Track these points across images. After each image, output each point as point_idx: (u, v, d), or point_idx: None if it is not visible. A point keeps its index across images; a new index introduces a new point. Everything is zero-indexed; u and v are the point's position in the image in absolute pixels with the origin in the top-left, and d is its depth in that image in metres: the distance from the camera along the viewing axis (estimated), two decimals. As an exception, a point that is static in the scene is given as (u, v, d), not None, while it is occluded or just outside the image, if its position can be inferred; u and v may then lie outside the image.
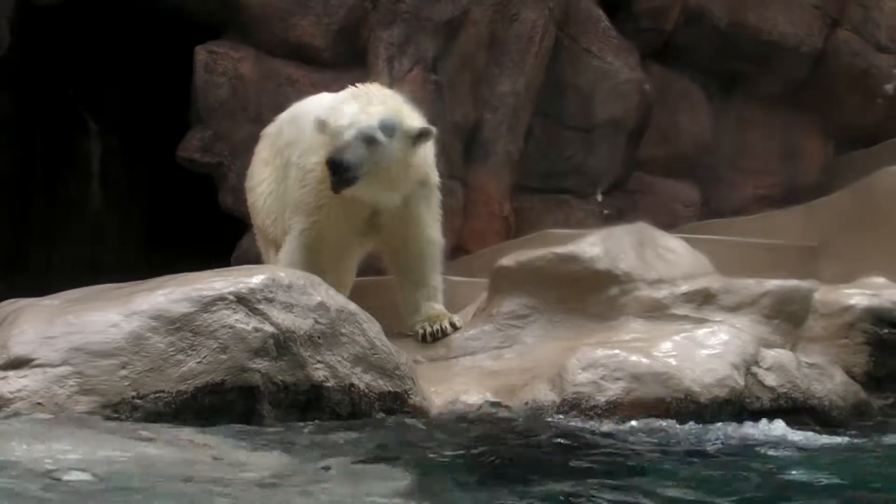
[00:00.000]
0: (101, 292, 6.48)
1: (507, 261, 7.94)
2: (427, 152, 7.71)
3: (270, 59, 12.03)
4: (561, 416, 6.52)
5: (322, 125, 7.32)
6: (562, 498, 4.56)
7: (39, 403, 5.69)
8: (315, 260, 7.56)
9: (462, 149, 12.62)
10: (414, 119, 7.52)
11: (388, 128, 7.26)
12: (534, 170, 13.08)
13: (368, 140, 7.18)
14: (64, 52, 12.74)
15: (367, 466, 5.10)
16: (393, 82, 12.05)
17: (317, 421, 6.02)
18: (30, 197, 13.55)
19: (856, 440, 6.33)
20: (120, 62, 12.74)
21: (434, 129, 7.49)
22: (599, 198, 13.36)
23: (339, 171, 7.07)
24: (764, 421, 6.57)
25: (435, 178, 7.77)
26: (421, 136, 7.41)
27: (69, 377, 5.77)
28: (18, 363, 5.85)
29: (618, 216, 12.20)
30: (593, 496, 4.54)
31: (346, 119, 7.16)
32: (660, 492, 4.69)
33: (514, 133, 12.82)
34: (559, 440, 5.97)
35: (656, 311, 7.61)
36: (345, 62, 12.26)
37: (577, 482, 4.84)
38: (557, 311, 7.71)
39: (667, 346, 7.01)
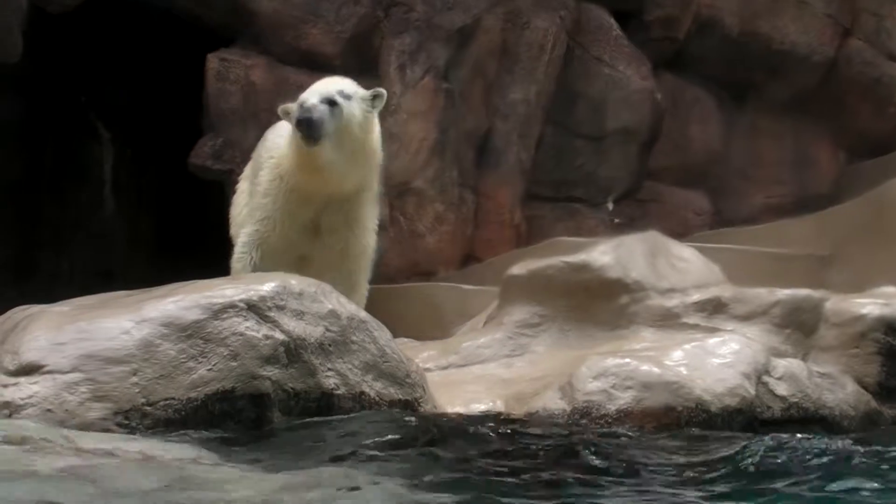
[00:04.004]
0: (113, 299, 6.48)
1: (518, 269, 7.93)
2: (374, 154, 7.73)
3: (282, 66, 12.06)
4: (571, 425, 6.50)
5: (285, 110, 7.49)
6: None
7: (49, 410, 5.69)
8: (259, 260, 7.64)
9: (473, 157, 12.64)
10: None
11: (346, 93, 7.44)
12: (545, 178, 13.09)
13: (329, 101, 7.34)
14: (76, 59, 12.76)
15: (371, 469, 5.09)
16: (405, 90, 12.08)
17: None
18: (39, 203, 13.57)
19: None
20: (132, 70, 12.77)
21: (384, 92, 7.54)
22: (610, 206, 13.36)
23: (306, 126, 7.27)
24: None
25: (377, 185, 7.77)
26: (375, 97, 7.50)
27: (80, 384, 5.76)
28: (29, 369, 5.84)
29: (629, 225, 12.21)
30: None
31: (307, 93, 7.44)
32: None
33: (526, 141, 12.83)
34: (568, 448, 5.95)
35: (667, 320, 7.60)
36: (356, 70, 12.24)
37: (587, 490, 4.83)
38: (568, 320, 7.71)
39: (677, 355, 6.99)
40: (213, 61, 11.89)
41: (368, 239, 7.75)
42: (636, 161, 13.51)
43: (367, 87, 11.28)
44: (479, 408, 6.79)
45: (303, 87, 11.82)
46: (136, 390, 5.78)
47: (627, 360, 6.85)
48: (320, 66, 12.05)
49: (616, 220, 13.12)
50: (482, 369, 7.51)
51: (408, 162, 12.21)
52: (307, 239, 7.70)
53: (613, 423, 6.52)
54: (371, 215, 7.77)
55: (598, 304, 7.66)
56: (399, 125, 12.17)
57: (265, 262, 7.59)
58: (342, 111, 7.36)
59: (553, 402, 6.67)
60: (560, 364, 7.08)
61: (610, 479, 5.15)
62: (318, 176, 7.49)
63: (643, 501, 4.66)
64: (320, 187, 7.57)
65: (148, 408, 5.76)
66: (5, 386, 5.79)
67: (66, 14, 11.81)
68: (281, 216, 7.67)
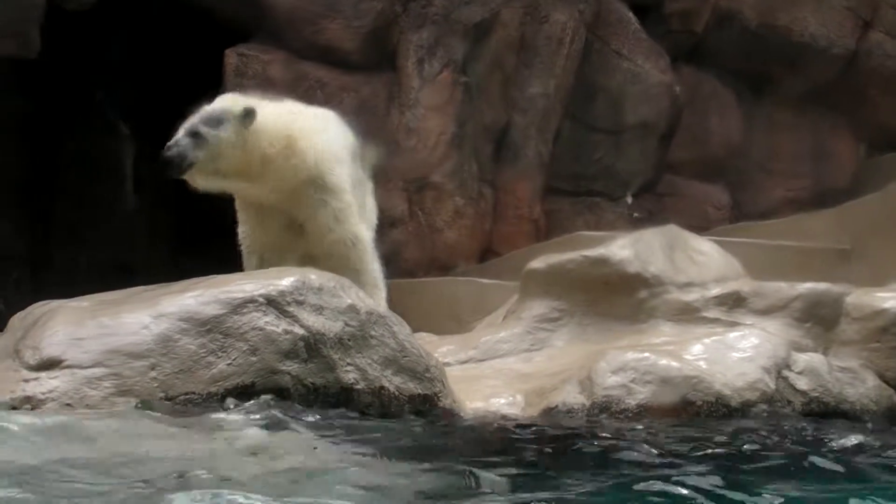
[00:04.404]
0: (132, 294, 6.49)
1: (537, 263, 7.93)
2: (283, 154, 7.73)
3: (300, 61, 12.07)
4: (590, 419, 6.49)
5: None
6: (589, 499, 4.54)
7: (69, 404, 5.70)
8: (267, 260, 7.74)
9: (492, 151, 12.63)
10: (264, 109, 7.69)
11: (214, 119, 7.48)
12: (564, 172, 13.08)
13: (192, 134, 7.42)
14: (93, 55, 12.78)
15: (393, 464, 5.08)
16: (423, 84, 12.07)
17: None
18: (58, 199, 13.61)
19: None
20: (150, 65, 12.79)
21: (254, 109, 7.54)
22: (629, 200, 13.34)
23: (166, 166, 7.38)
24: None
25: (332, 178, 7.76)
26: (246, 115, 7.52)
27: (103, 379, 5.78)
28: (49, 364, 5.86)
29: (648, 219, 12.18)
30: (623, 498, 4.52)
31: (184, 123, 7.56)
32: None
33: (544, 135, 12.81)
34: (587, 442, 5.94)
35: (686, 314, 7.59)
36: (374, 65, 12.29)
37: (604, 484, 4.81)
38: (587, 314, 7.70)
39: (697, 349, 6.98)
40: (231, 56, 11.91)
41: (339, 234, 7.74)
42: (655, 155, 13.49)
43: (386, 83, 11.38)
44: (498, 402, 6.79)
45: (321, 82, 11.96)
46: (155, 385, 5.79)
47: (646, 354, 6.84)
48: (339, 61, 12.09)
49: (635, 214, 13.10)
50: (501, 364, 7.51)
51: (426, 156, 12.21)
52: (294, 237, 7.77)
53: (633, 417, 6.52)
54: (331, 210, 7.75)
55: (617, 298, 7.66)
56: (417, 119, 12.16)
57: (272, 265, 7.69)
58: (207, 142, 7.42)
59: (572, 397, 6.66)
60: (579, 358, 7.07)
61: (629, 472, 5.14)
62: (231, 189, 7.69)
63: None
64: (251, 195, 7.74)
65: (167, 402, 5.77)
66: (26, 381, 5.81)
67: (84, 11, 11.84)
68: (254, 223, 7.85)
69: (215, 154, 7.42)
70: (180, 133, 7.45)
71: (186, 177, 7.48)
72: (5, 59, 11.74)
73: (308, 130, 7.68)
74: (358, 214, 7.80)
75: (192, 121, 7.48)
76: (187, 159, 7.35)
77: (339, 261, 7.59)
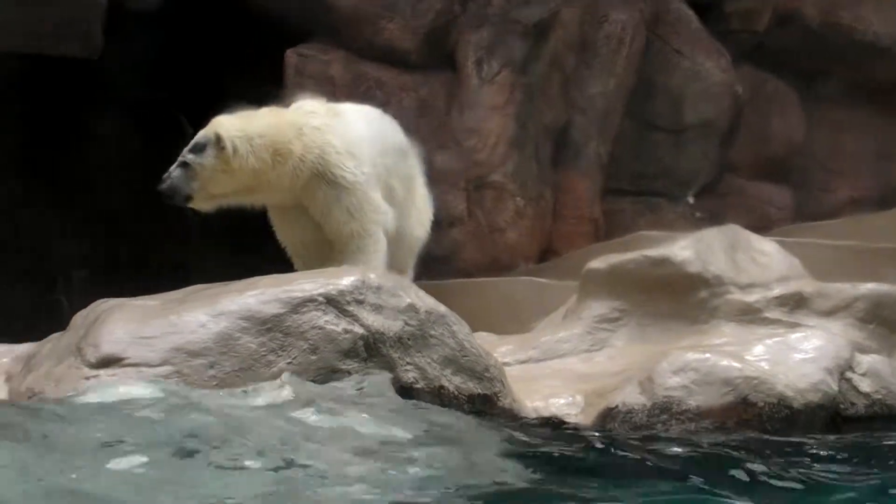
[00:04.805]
0: (192, 293, 6.53)
1: (598, 263, 7.90)
2: (274, 161, 7.76)
3: (360, 61, 12.09)
4: (650, 420, 6.46)
5: None
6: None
7: (128, 401, 5.74)
8: (303, 256, 8.00)
9: (551, 151, 12.59)
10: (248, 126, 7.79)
11: (198, 146, 7.77)
12: (624, 172, 13.02)
13: (182, 165, 7.76)
14: (157, 55, 12.85)
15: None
16: (482, 84, 12.06)
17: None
18: (122, 198, 13.69)
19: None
20: (211, 66, 12.84)
21: (219, 134, 7.70)
22: (691, 200, 13.26)
23: (163, 198, 7.79)
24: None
25: (341, 172, 7.78)
26: (216, 141, 7.71)
27: (169, 377, 5.82)
28: (110, 361, 5.91)
29: (709, 219, 12.08)
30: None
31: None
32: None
33: (604, 135, 12.76)
34: (645, 445, 5.92)
35: (748, 315, 7.53)
36: (433, 65, 12.29)
37: (664, 489, 4.79)
38: (647, 315, 7.67)
39: (759, 350, 6.93)
40: (291, 56, 11.95)
41: (351, 227, 7.77)
42: (716, 154, 13.40)
43: (445, 82, 11.38)
44: (557, 402, 6.78)
45: (380, 82, 11.97)
46: (215, 383, 5.82)
47: (708, 355, 6.80)
48: (398, 61, 12.10)
49: (696, 214, 13.01)
50: (561, 364, 7.49)
51: (486, 156, 12.19)
52: (318, 233, 7.85)
53: (693, 418, 6.48)
54: (343, 203, 7.77)
55: (678, 298, 7.61)
56: (477, 120, 12.15)
57: (307, 255, 7.93)
58: (195, 170, 7.69)
59: (632, 398, 6.63)
60: (639, 359, 7.04)
61: (692, 478, 5.11)
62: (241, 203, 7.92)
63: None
64: (265, 202, 7.99)
65: (230, 400, 5.79)
66: (87, 378, 5.86)
67: (147, 12, 11.92)
68: (282, 223, 8.08)
69: (205, 181, 7.71)
70: (175, 164, 7.76)
71: (191, 206, 7.82)
72: (68, 60, 11.85)
73: (309, 130, 7.76)
74: (381, 209, 7.81)
75: (185, 149, 7.78)
76: (181, 191, 7.70)
77: (352, 256, 7.66)
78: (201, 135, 7.78)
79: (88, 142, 13.30)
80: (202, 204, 7.86)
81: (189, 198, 7.74)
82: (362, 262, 7.60)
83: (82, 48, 11.62)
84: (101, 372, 5.88)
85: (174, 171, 7.73)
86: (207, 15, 12.24)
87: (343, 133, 7.83)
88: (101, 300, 6.62)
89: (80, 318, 6.51)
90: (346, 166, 7.72)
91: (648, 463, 5.46)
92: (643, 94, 13.01)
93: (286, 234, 8.04)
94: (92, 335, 6.10)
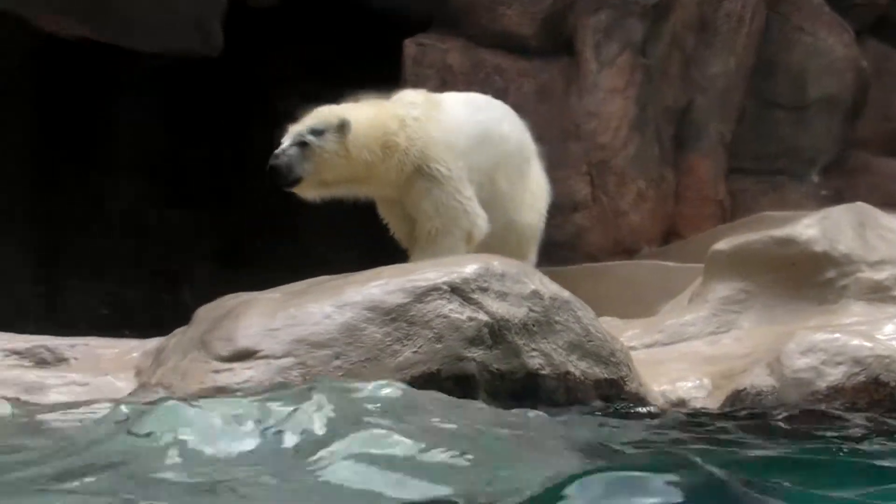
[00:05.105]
0: (316, 284, 6.59)
1: (722, 245, 7.82)
2: (385, 153, 7.65)
3: (478, 48, 12.12)
4: (779, 402, 6.38)
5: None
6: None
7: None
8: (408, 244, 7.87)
9: (673, 133, 12.52)
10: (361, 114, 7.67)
11: (317, 129, 7.53)
12: (747, 151, 12.90)
13: (300, 144, 7.50)
14: (274, 50, 12.98)
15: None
16: (601, 68, 12.02)
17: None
18: (246, 193, 13.87)
19: None
20: (327, 57, 12.95)
21: (348, 120, 7.52)
22: (815, 178, 13.10)
23: (273, 176, 7.49)
24: None
25: (437, 165, 7.66)
26: (341, 126, 7.52)
27: (292, 368, 5.89)
28: (244, 355, 5.99)
29: (835, 197, 11.92)
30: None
31: (287, 133, 7.64)
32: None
33: (726, 115, 12.66)
34: (782, 427, 5.86)
35: (878, 294, 7.41)
36: (552, 50, 12.28)
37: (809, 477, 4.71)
38: (774, 295, 7.58)
39: (890, 328, 6.80)
40: (410, 46, 12.02)
41: (434, 223, 7.67)
42: (840, 131, 13.21)
43: (564, 67, 11.35)
44: (685, 386, 6.73)
45: (499, 69, 11.99)
46: (340, 373, 5.88)
47: (837, 335, 6.69)
48: (516, 47, 12.11)
49: (822, 192, 12.85)
50: (687, 347, 7.43)
51: (607, 140, 12.16)
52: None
53: (823, 399, 6.39)
54: (433, 198, 7.68)
55: (805, 278, 7.51)
56: (597, 103, 12.12)
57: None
58: (313, 151, 7.48)
59: (761, 380, 6.56)
60: (767, 340, 6.96)
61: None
62: (342, 195, 7.77)
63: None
64: (367, 195, 7.84)
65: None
66: (217, 371, 5.95)
67: (266, 7, 12.07)
68: (389, 216, 7.94)
69: (321, 165, 7.52)
70: (287, 141, 7.54)
71: (295, 190, 7.62)
72: (188, 57, 12.03)
73: (411, 122, 7.66)
74: (467, 211, 7.71)
75: (299, 129, 7.57)
76: (294, 171, 7.48)
77: (420, 252, 7.59)
78: (320, 119, 7.60)
79: (213, 138, 13.50)
80: (308, 190, 7.67)
81: (298, 180, 7.52)
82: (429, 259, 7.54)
83: (202, 45, 11.78)
84: (235, 365, 5.96)
85: (289, 148, 7.50)
86: (326, 8, 12.35)
87: (442, 124, 7.72)
88: (230, 295, 6.70)
89: (204, 313, 6.60)
90: (442, 159, 7.62)
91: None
92: (764, 72, 12.87)
93: (394, 226, 7.95)
94: (223, 328, 6.18)
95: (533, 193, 8.19)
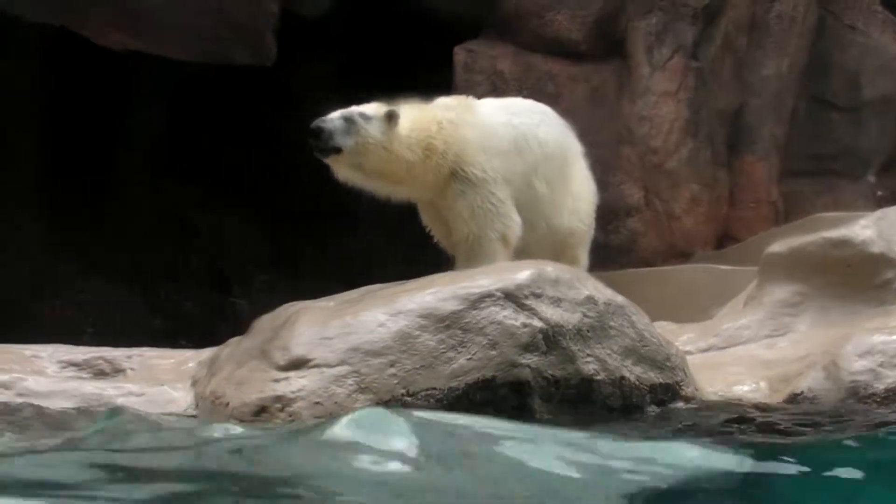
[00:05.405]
0: (369, 292, 6.61)
1: (777, 247, 7.78)
2: (451, 142, 7.62)
3: (528, 54, 12.13)
4: (837, 405, 6.34)
5: None
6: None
7: (318, 403, 5.84)
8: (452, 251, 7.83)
9: (726, 135, 12.46)
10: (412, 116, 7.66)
11: (366, 115, 7.51)
12: (801, 153, 12.83)
13: (347, 119, 7.48)
14: (330, 59, 13.04)
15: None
16: (653, 71, 11.98)
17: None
18: (303, 200, 13.92)
19: None
20: (377, 65, 12.99)
21: (397, 112, 7.52)
22: (871, 179, 12.99)
23: (314, 136, 7.45)
24: None
25: (472, 170, 7.62)
26: (390, 117, 7.49)
27: (347, 377, 5.90)
28: (298, 364, 6.01)
29: (891, 197, 11.85)
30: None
31: None
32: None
33: (779, 116, 12.59)
34: (838, 430, 5.82)
35: (937, 295, 7.34)
36: (603, 54, 12.26)
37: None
38: (830, 297, 7.52)
39: (949, 330, 6.75)
40: (460, 53, 12.05)
41: (471, 227, 7.64)
42: (896, 131, 13.12)
43: (615, 71, 11.31)
44: (741, 389, 6.70)
45: (550, 74, 11.98)
46: (395, 381, 5.89)
47: (895, 337, 6.64)
48: (567, 52, 12.10)
49: (878, 193, 12.76)
50: (743, 350, 7.39)
51: (660, 143, 12.13)
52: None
53: (882, 402, 6.34)
54: (469, 202, 7.65)
55: (861, 280, 7.45)
56: (649, 107, 12.09)
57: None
58: (358, 129, 7.45)
59: (817, 383, 6.52)
60: (823, 343, 6.91)
61: None
62: (375, 189, 7.73)
63: None
64: (402, 195, 7.80)
65: (408, 398, 5.86)
66: (276, 381, 5.98)
67: (318, 17, 12.13)
68: (427, 218, 7.91)
69: (362, 148, 7.48)
70: (335, 114, 7.53)
71: (330, 162, 7.56)
72: (242, 68, 12.11)
73: (450, 125, 7.65)
74: (502, 215, 7.67)
75: (348, 109, 7.54)
76: (335, 140, 7.43)
77: (462, 262, 7.56)
78: (371, 107, 7.59)
79: (267, 147, 13.57)
80: (343, 168, 7.61)
81: (336, 150, 7.47)
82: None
83: (255, 56, 11.85)
84: (291, 374, 5.99)
85: (336, 119, 7.49)
86: (377, 17, 12.39)
87: (476, 127, 7.71)
88: (288, 304, 6.73)
89: (265, 322, 6.63)
90: (476, 162, 7.60)
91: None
92: (817, 72, 12.80)
93: (436, 233, 7.89)
94: (280, 338, 6.21)
95: (575, 198, 8.13)
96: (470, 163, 7.58)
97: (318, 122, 7.46)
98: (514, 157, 7.78)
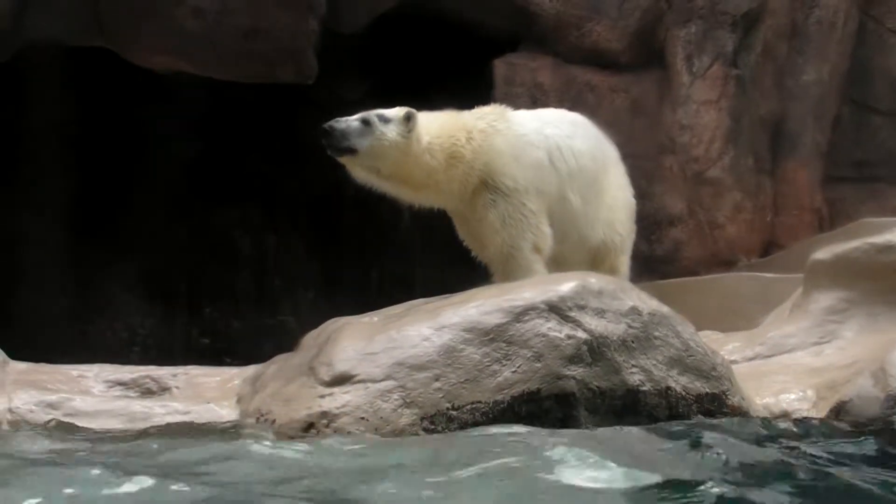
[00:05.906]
0: (413, 307, 6.62)
1: (822, 254, 7.73)
2: (480, 151, 7.56)
3: (568, 66, 12.13)
4: (886, 412, 6.29)
5: None
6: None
7: (363, 418, 5.85)
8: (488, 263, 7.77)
9: (768, 142, 12.41)
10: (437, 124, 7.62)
11: (385, 117, 7.46)
12: (844, 159, 12.75)
13: (364, 120, 7.42)
14: (367, 74, 13.07)
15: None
16: (693, 80, 11.95)
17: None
18: (344, 217, 13.95)
19: None
20: (416, 79, 13.02)
21: (410, 112, 7.47)
22: (916, 184, 12.90)
23: (325, 135, 7.42)
24: None
25: (502, 177, 7.56)
26: (407, 119, 7.46)
27: (392, 391, 5.91)
28: (342, 379, 6.03)
29: (937, 202, 11.76)
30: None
31: None
32: None
33: (822, 122, 12.52)
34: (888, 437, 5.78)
35: None
36: (642, 64, 12.24)
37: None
38: (877, 303, 7.46)
39: None
40: (500, 66, 12.06)
41: (502, 237, 7.58)
42: (940, 135, 13.02)
43: (655, 80, 11.27)
44: (788, 398, 6.66)
45: (590, 85, 11.98)
46: (440, 395, 5.90)
47: (943, 342, 6.59)
48: (606, 63, 12.10)
49: (923, 198, 12.66)
50: (790, 359, 7.35)
51: (702, 152, 12.09)
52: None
53: (931, 409, 6.28)
54: (500, 212, 7.59)
55: (908, 285, 7.40)
56: (690, 116, 12.06)
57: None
58: (374, 130, 7.40)
59: (866, 390, 6.46)
60: (871, 349, 6.86)
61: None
62: (395, 193, 7.72)
63: None
64: (427, 203, 7.78)
65: (453, 412, 5.86)
66: (322, 396, 6.00)
67: (357, 33, 12.16)
68: (461, 229, 7.85)
69: (377, 150, 7.45)
70: (354, 116, 7.48)
71: (344, 162, 7.53)
72: (278, 86, 12.16)
73: (477, 134, 7.61)
74: (533, 226, 7.62)
75: (366, 111, 7.50)
76: (349, 139, 7.40)
77: (499, 276, 7.52)
78: (390, 110, 7.55)
79: (310, 164, 13.61)
80: (358, 169, 7.58)
81: (351, 151, 7.44)
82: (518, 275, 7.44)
83: (297, 74, 11.90)
84: (335, 390, 6.00)
85: (352, 120, 7.45)
86: (414, 32, 12.42)
87: (508, 137, 7.67)
88: (332, 319, 6.75)
89: (311, 339, 6.66)
90: (508, 172, 7.57)
91: None
92: (859, 77, 12.71)
93: (471, 245, 7.85)
94: (324, 354, 6.23)
95: (610, 209, 8.07)
96: (501, 172, 7.55)
97: (330, 122, 7.44)
98: (548, 168, 7.74)
